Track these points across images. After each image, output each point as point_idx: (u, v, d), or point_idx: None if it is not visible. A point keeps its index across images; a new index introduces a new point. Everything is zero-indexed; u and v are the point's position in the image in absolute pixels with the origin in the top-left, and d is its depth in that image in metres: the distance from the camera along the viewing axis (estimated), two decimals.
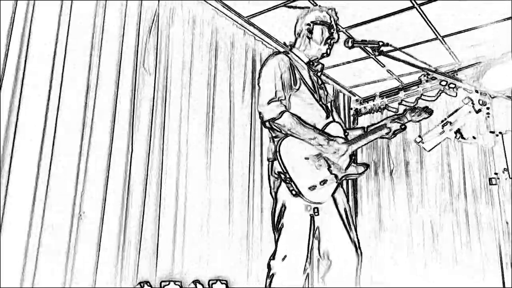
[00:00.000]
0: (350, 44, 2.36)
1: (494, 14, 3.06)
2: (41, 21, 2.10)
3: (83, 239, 2.10)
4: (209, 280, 2.42)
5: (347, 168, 2.21)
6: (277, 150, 2.13)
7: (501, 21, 3.13)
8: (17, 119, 1.95)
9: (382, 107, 4.44)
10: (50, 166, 2.03)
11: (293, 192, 2.10)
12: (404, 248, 3.99)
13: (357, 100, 4.61)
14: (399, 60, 2.35)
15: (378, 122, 2.35)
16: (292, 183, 2.09)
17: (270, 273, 2.09)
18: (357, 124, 4.60)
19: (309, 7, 2.52)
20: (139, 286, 2.25)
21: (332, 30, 2.40)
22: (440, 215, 3.88)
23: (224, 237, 2.80)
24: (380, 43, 2.30)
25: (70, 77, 2.18)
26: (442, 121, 2.80)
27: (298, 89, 2.27)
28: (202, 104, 2.85)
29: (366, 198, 4.36)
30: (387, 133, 2.28)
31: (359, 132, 2.36)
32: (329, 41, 2.40)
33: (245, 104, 3.17)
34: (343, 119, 4.46)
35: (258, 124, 3.20)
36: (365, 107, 4.57)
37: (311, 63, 2.43)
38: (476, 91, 2.81)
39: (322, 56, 2.42)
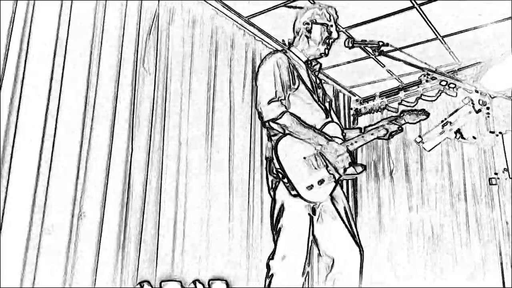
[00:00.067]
0: (350, 44, 2.35)
1: (494, 14, 3.06)
2: (41, 21, 2.10)
3: (83, 239, 2.10)
4: (209, 280, 2.42)
5: (345, 168, 2.22)
6: (275, 149, 2.13)
7: (501, 21, 3.13)
8: (17, 119, 1.95)
9: (382, 107, 4.44)
10: (50, 166, 2.03)
11: (292, 192, 2.10)
12: (404, 248, 3.99)
13: (357, 100, 4.61)
14: (399, 60, 2.35)
15: (376, 123, 2.36)
16: (289, 182, 2.10)
17: (270, 273, 2.09)
18: (357, 124, 4.60)
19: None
20: (139, 286, 2.25)
21: (331, 29, 2.40)
22: (440, 215, 3.88)
23: (224, 237, 2.80)
24: (380, 43, 2.30)
25: (70, 77, 2.18)
26: (442, 121, 2.80)
27: (296, 89, 2.27)
28: (202, 104, 2.85)
29: (366, 198, 4.35)
30: (384, 134, 2.29)
31: (356, 132, 2.36)
32: (327, 40, 2.40)
33: (245, 104, 3.17)
34: (342, 119, 4.46)
35: (258, 124, 3.20)
36: (365, 107, 4.56)
37: (309, 62, 2.43)
38: (476, 91, 2.81)
39: (321, 56, 2.42)
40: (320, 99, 2.37)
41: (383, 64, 3.85)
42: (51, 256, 1.97)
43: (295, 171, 2.11)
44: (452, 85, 2.62)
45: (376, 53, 2.31)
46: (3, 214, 1.85)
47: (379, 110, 4.46)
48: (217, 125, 2.93)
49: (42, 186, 1.99)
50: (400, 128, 2.31)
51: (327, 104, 2.40)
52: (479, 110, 2.79)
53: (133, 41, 2.52)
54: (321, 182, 2.14)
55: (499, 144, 3.63)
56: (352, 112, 4.62)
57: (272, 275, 2.08)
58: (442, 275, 3.75)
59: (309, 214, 2.14)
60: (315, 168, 2.14)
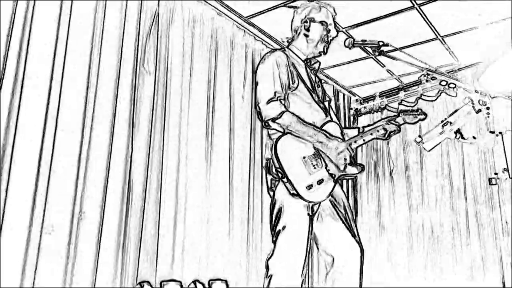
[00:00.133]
0: (350, 44, 2.35)
1: (494, 14, 3.06)
2: (41, 21, 2.10)
3: (83, 239, 2.10)
4: (209, 280, 2.42)
5: (344, 167, 2.22)
6: (274, 148, 2.13)
7: (501, 21, 3.13)
8: (17, 119, 1.95)
9: (382, 107, 4.44)
10: (50, 166, 2.03)
11: (291, 192, 2.10)
12: (404, 248, 3.99)
13: (357, 100, 4.61)
14: (399, 60, 2.35)
15: (374, 123, 2.36)
16: (289, 182, 2.09)
17: (268, 273, 2.09)
18: (357, 124, 4.60)
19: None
20: (139, 286, 2.25)
21: (329, 28, 2.39)
22: (440, 215, 3.88)
23: (224, 237, 2.80)
24: (380, 43, 2.30)
25: (70, 77, 2.18)
26: (442, 121, 2.80)
27: (296, 88, 2.26)
28: (202, 104, 2.85)
29: (366, 198, 4.35)
30: (383, 134, 2.29)
31: (355, 132, 2.36)
32: (326, 39, 2.39)
33: (245, 104, 3.17)
34: (342, 119, 4.46)
35: (258, 124, 3.20)
36: (365, 107, 4.56)
37: (308, 61, 2.42)
38: (476, 91, 2.80)
39: (320, 54, 2.41)
40: (320, 98, 2.37)
41: (383, 64, 3.85)
42: (51, 256, 1.97)
43: (295, 170, 2.11)
44: (452, 85, 2.62)
45: (376, 53, 2.31)
46: (3, 214, 1.85)
47: (379, 110, 4.46)
48: (217, 125, 2.93)
49: (42, 186, 1.99)
50: (398, 128, 2.31)
51: (326, 104, 2.40)
52: (479, 110, 2.78)
53: (133, 41, 2.52)
54: (320, 182, 2.14)
55: (499, 144, 3.63)
56: (352, 112, 4.63)
57: (271, 275, 2.08)
58: (442, 275, 3.75)
59: (308, 214, 2.13)
60: (314, 168, 2.14)
